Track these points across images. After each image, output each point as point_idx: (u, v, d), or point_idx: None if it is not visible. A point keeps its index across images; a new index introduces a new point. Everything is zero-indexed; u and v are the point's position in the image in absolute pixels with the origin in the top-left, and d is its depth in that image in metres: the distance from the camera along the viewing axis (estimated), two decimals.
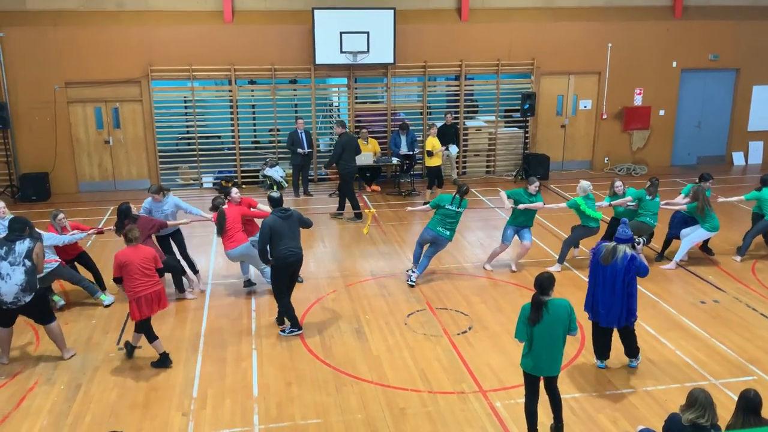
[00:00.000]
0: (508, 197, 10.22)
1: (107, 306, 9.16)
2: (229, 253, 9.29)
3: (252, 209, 9.75)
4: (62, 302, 9.20)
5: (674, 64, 17.10)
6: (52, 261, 8.58)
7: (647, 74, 17.00)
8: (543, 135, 17.14)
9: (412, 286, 9.79)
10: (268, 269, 9.22)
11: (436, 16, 15.89)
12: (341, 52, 15.06)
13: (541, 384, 6.11)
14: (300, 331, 8.31)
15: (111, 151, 15.42)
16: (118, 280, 7.52)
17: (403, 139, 15.30)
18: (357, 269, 10.57)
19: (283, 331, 8.34)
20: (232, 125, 15.76)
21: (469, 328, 8.48)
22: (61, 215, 9.14)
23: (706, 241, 10.78)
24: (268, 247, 8.21)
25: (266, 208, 9.73)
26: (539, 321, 5.85)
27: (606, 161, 17.40)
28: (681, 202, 10.62)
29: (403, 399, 6.90)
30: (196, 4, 14.99)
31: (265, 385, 7.19)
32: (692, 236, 10.37)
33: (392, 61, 15.47)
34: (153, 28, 14.80)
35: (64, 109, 14.85)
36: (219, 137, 16.91)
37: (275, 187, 15.44)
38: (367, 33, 15.03)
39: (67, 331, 8.32)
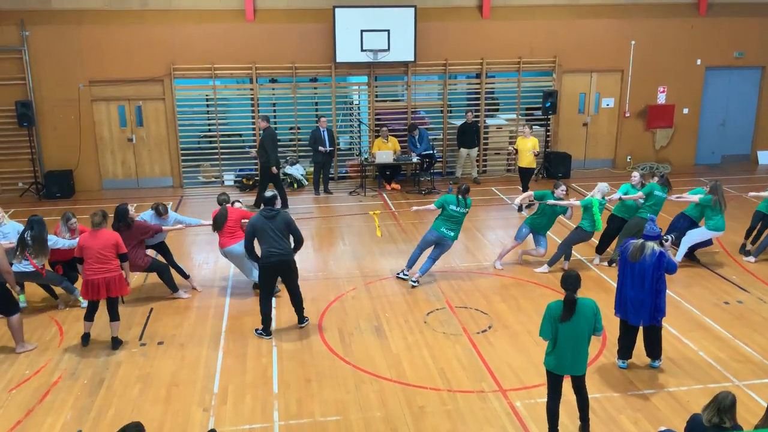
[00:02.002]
0: (536, 197, 10.12)
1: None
2: (229, 249, 9.18)
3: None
4: (23, 304, 8.98)
5: (698, 61, 16.89)
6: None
7: (671, 72, 16.81)
8: (565, 133, 17.02)
9: (414, 285, 9.68)
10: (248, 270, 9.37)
11: (457, 14, 15.84)
12: (362, 50, 15.07)
13: (565, 383, 6.07)
14: (269, 338, 8.20)
15: (134, 149, 15.58)
16: (79, 260, 7.82)
17: (415, 139, 15.28)
18: (377, 267, 10.58)
19: (257, 329, 8.33)
20: (254, 123, 15.84)
21: (489, 327, 8.45)
22: (73, 219, 9.08)
23: (693, 248, 10.40)
24: (254, 244, 8.18)
25: None
26: (568, 320, 5.82)
27: (628, 160, 17.23)
28: (692, 197, 10.29)
29: (422, 397, 6.90)
30: (219, 3, 15.08)
31: (285, 381, 7.23)
32: (693, 234, 10.12)
33: (413, 59, 15.45)
34: (176, 27, 14.94)
35: (88, 107, 15.03)
36: (240, 135, 17.03)
37: (295, 185, 15.52)
38: (388, 31, 15.02)
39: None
